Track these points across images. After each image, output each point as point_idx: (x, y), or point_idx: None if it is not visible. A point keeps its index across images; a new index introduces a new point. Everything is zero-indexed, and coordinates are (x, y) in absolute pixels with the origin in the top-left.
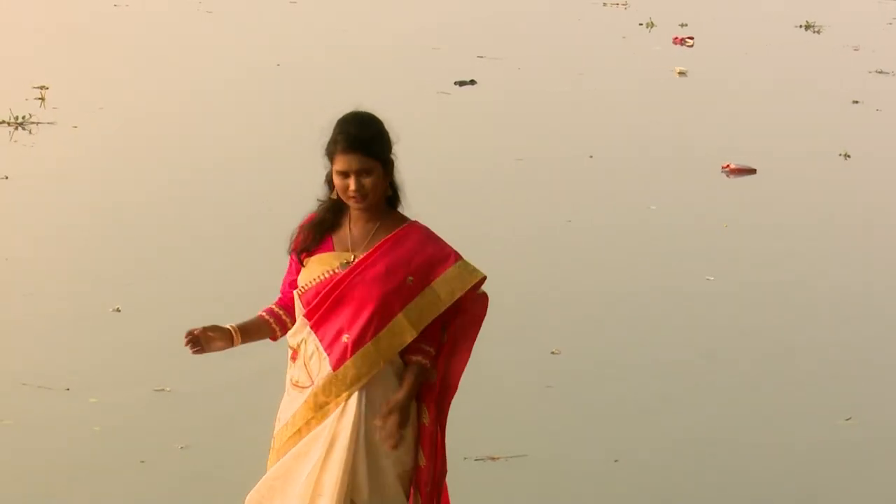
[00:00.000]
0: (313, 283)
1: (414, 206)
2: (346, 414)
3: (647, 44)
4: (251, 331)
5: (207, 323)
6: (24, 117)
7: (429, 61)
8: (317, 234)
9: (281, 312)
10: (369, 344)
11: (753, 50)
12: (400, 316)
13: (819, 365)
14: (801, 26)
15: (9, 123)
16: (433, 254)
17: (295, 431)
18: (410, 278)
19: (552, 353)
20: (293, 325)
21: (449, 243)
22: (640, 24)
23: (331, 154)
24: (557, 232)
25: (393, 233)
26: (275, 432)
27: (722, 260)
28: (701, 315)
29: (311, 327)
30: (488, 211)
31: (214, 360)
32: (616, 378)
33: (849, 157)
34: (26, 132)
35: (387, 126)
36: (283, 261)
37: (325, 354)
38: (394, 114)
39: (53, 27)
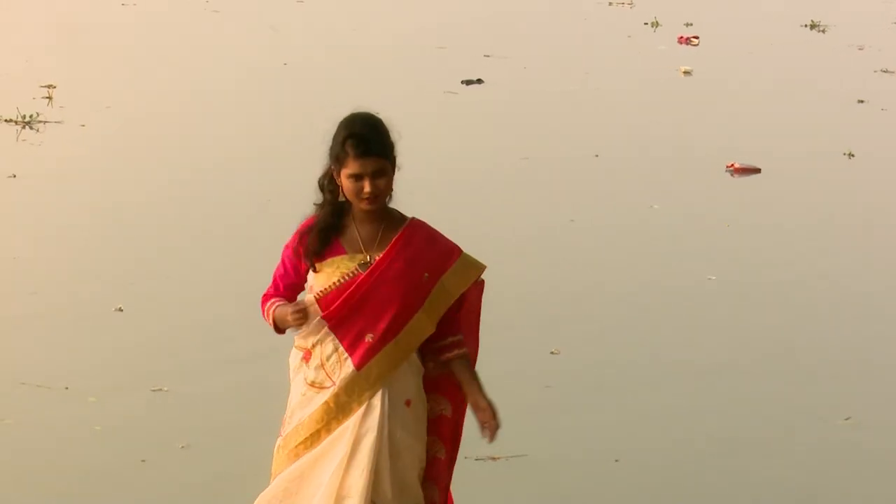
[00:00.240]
0: (334, 286)
1: (419, 204)
2: (370, 414)
3: (653, 43)
4: None
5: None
6: (31, 116)
7: (436, 61)
8: (324, 238)
9: None
10: (392, 342)
11: (758, 49)
12: (420, 312)
13: (819, 365)
14: (805, 26)
15: (16, 122)
16: (442, 249)
17: (313, 433)
18: (426, 274)
19: (552, 353)
20: None
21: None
22: (646, 24)
23: (341, 158)
24: (560, 231)
25: (401, 231)
26: (285, 432)
27: (723, 260)
28: (702, 315)
29: (331, 328)
30: (492, 210)
31: (214, 360)
32: (616, 378)
33: (853, 156)
34: (34, 131)
35: (388, 124)
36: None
37: (346, 355)
38: (401, 113)
39: (61, 26)
